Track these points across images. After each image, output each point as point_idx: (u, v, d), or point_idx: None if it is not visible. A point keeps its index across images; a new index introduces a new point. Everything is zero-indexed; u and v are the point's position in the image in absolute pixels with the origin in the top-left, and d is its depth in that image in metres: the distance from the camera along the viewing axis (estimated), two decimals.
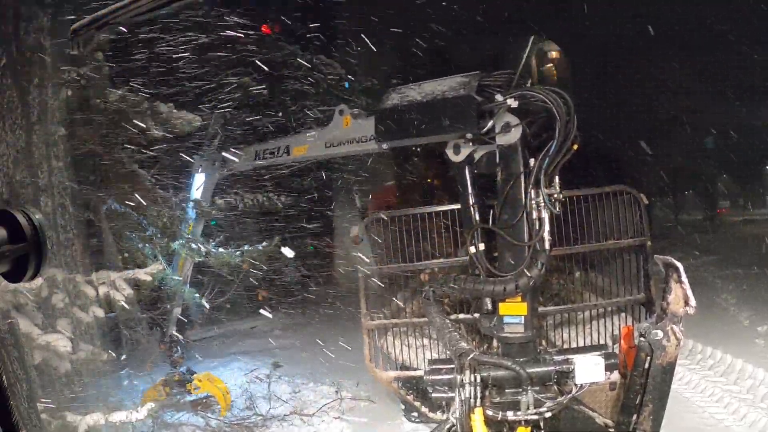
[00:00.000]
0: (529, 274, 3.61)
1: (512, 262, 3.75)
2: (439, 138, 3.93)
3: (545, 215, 3.60)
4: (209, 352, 9.75)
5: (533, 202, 3.61)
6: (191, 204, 6.74)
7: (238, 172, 6.83)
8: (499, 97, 3.62)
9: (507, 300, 3.78)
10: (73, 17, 5.13)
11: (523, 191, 3.65)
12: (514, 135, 3.66)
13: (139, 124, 6.74)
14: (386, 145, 4.20)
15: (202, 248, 6.94)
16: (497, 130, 3.68)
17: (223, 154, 6.35)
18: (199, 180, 6.57)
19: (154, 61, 7.90)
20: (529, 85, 3.71)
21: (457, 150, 3.93)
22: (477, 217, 3.96)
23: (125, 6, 2.00)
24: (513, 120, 3.63)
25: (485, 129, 3.69)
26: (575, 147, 3.59)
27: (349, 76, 11.98)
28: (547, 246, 3.64)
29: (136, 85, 7.17)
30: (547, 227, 3.62)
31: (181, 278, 6.71)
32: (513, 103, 3.57)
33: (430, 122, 3.80)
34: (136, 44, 7.49)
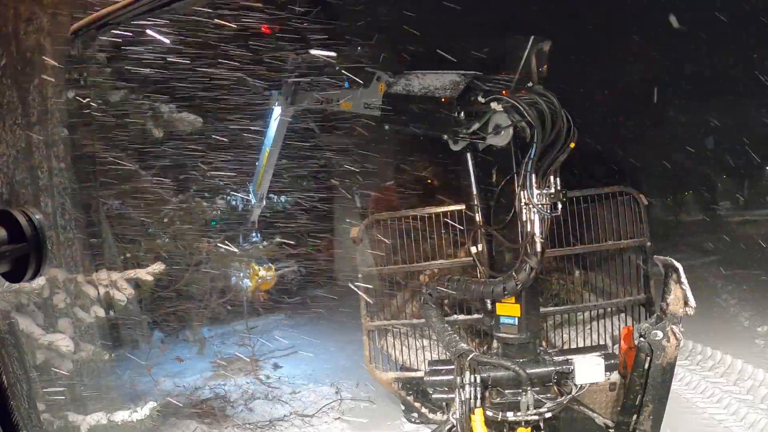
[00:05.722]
0: (517, 277, 3.60)
1: (506, 263, 3.76)
2: (425, 132, 4.03)
3: (536, 218, 3.59)
4: (209, 352, 9.73)
5: (523, 204, 3.60)
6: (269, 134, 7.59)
7: (302, 110, 7.51)
8: (480, 99, 3.65)
9: (503, 300, 3.79)
10: (73, 17, 5.15)
11: (516, 193, 3.65)
12: (505, 137, 3.66)
13: (140, 124, 6.76)
14: (387, 126, 4.41)
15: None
16: (489, 130, 3.69)
17: (295, 89, 7.13)
18: (276, 112, 7.38)
19: (155, 61, 7.89)
20: (514, 85, 3.72)
21: (454, 140, 3.98)
22: (479, 217, 3.98)
23: (125, 6, 2.01)
24: (504, 122, 3.63)
25: (472, 129, 3.72)
26: (572, 145, 3.59)
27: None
28: (538, 248, 3.61)
29: (136, 86, 7.17)
30: (538, 230, 3.60)
31: (260, 193, 7.86)
32: (497, 106, 3.60)
33: (419, 117, 4.03)
34: (136, 44, 7.49)
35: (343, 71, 5.88)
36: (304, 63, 7.37)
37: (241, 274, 8.36)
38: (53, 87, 5.71)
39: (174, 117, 7.29)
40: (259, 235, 8.38)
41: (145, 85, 7.30)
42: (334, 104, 6.20)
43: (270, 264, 8.36)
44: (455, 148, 3.97)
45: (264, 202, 8.19)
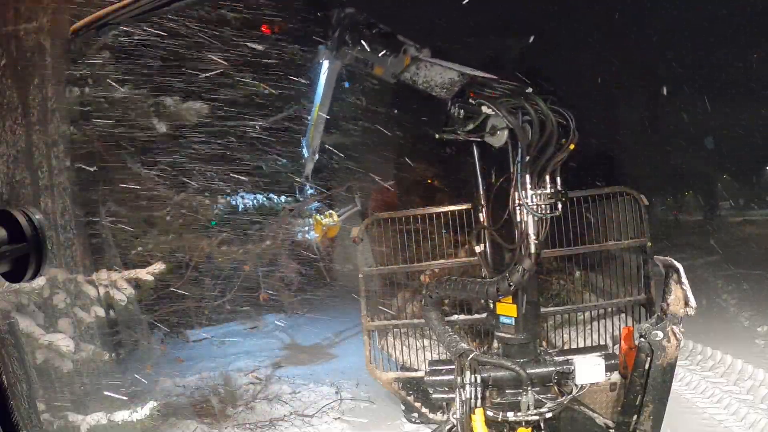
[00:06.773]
0: (510, 279, 3.60)
1: (505, 263, 3.77)
2: (424, 125, 4.06)
3: (530, 219, 3.59)
4: (209, 352, 9.75)
5: (516, 205, 3.60)
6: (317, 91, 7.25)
7: (344, 67, 7.14)
8: (472, 102, 3.67)
9: (501, 300, 3.80)
10: (73, 17, 5.15)
11: (511, 194, 3.66)
12: (500, 138, 3.66)
13: (143, 122, 6.76)
14: (396, 110, 4.41)
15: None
16: (487, 130, 3.70)
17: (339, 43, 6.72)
18: (324, 66, 7.12)
19: (157, 59, 7.87)
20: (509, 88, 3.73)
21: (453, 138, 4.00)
22: (483, 216, 3.98)
23: (125, 6, 2.01)
24: (500, 123, 3.64)
25: (467, 129, 3.74)
26: (572, 147, 3.58)
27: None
28: (532, 250, 3.59)
29: (139, 84, 7.14)
30: (532, 231, 3.59)
31: (312, 147, 7.60)
32: (487, 110, 3.61)
33: (417, 109, 3.98)
34: (137, 42, 7.48)
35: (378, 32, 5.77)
36: (347, 19, 7.41)
37: (306, 228, 8.31)
38: (53, 87, 5.71)
39: (180, 107, 7.24)
40: (312, 188, 8.36)
41: (148, 76, 7.22)
42: (368, 67, 6.15)
43: (331, 210, 8.19)
44: (458, 138, 3.99)
45: (317, 156, 8.01)
